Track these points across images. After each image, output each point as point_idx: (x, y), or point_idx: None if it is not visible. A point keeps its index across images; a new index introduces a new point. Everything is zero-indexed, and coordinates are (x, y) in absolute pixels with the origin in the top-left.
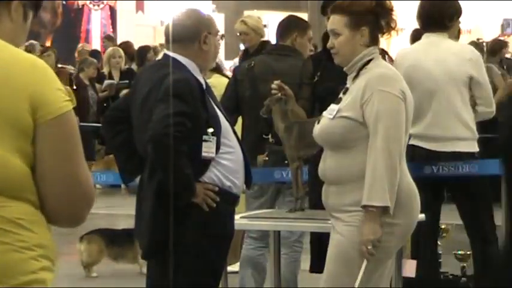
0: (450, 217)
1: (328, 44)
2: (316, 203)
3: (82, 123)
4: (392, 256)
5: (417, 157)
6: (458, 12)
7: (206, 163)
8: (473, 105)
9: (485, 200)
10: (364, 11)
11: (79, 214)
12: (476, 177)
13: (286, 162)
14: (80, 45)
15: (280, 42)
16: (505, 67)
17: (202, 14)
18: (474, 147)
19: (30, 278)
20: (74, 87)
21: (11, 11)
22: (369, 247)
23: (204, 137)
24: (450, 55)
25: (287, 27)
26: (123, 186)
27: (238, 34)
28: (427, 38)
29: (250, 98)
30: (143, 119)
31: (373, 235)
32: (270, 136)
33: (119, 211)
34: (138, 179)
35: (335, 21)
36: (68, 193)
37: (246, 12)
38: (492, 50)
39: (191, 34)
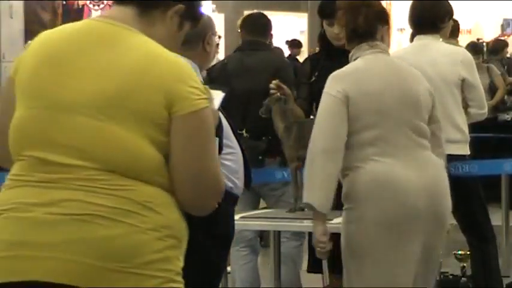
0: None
1: (335, 31)
2: None
3: None
4: (391, 251)
5: None
6: (450, 13)
7: None
8: (465, 107)
9: (478, 199)
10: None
11: (204, 205)
12: (468, 177)
13: (260, 158)
14: None
15: (251, 38)
16: (505, 67)
17: (207, 15)
18: (465, 150)
19: (153, 257)
20: None
21: (166, 18)
22: (318, 247)
23: None
24: (442, 57)
25: (266, 25)
26: None
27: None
28: (419, 40)
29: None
30: None
31: (316, 233)
32: (244, 131)
33: None
34: None
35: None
36: (195, 184)
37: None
38: (494, 50)
39: (198, 35)
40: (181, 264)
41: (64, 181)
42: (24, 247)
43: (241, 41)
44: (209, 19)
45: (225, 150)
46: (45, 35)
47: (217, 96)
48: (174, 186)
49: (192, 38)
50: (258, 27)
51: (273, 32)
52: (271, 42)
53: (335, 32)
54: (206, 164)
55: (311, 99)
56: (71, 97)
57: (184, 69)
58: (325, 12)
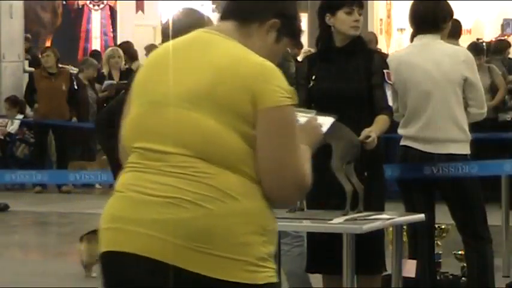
0: (450, 217)
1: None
2: (315, 202)
3: (82, 123)
4: None
5: (410, 158)
6: (450, 14)
7: None
8: (465, 106)
9: (476, 199)
10: None
11: (287, 197)
12: (467, 177)
13: None
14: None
15: None
16: (506, 67)
17: (197, 13)
18: (467, 149)
19: (231, 241)
20: (76, 87)
21: (262, 32)
22: None
23: None
24: (445, 57)
25: None
26: None
27: None
28: (420, 40)
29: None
30: None
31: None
32: None
33: None
34: None
35: None
36: (275, 175)
37: None
38: (496, 50)
39: (179, 33)
40: (266, 250)
41: (162, 167)
42: (124, 221)
43: None
44: (202, 18)
45: None
46: (160, 48)
47: (327, 121)
48: (259, 178)
49: (176, 36)
50: None
51: None
52: None
53: (356, 19)
54: (285, 157)
55: (310, 101)
56: (166, 92)
57: (269, 70)
58: (336, 3)
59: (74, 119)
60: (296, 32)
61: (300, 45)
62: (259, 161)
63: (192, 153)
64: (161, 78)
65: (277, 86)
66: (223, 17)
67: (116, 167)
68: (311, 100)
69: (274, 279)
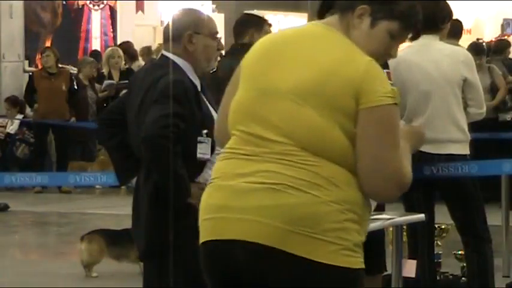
0: (450, 217)
1: None
2: None
3: (82, 123)
4: None
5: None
6: (449, 14)
7: (201, 164)
8: (465, 106)
9: (476, 199)
10: None
11: (385, 194)
12: (466, 177)
13: None
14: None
15: (238, 41)
16: (505, 68)
17: (196, 13)
18: (466, 150)
19: (334, 226)
20: (75, 87)
21: (355, 19)
22: None
23: (199, 138)
24: (444, 57)
25: (243, 25)
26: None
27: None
28: (419, 40)
29: (218, 102)
30: (141, 121)
31: None
32: None
33: (119, 211)
34: (134, 180)
35: None
36: (372, 171)
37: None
38: (497, 50)
39: (177, 32)
40: (361, 238)
41: (264, 154)
42: (228, 210)
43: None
44: (198, 18)
45: (218, 150)
46: (269, 35)
47: None
48: (357, 173)
49: (174, 36)
50: (243, 30)
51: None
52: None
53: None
54: (385, 155)
55: None
56: (277, 83)
57: (372, 70)
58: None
59: (73, 119)
60: (395, 14)
61: (414, 29)
62: (358, 158)
63: (296, 143)
64: (272, 67)
65: (380, 86)
66: (327, 9)
67: (118, 166)
68: None
69: (363, 265)
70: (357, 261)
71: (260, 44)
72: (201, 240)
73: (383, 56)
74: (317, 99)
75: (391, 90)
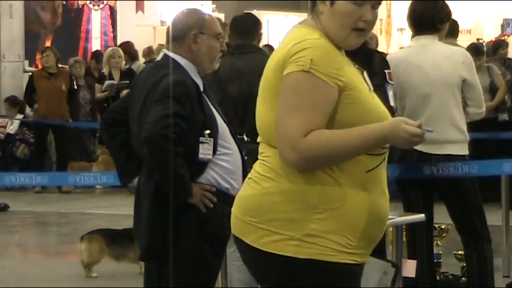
0: (450, 217)
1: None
2: None
3: (82, 123)
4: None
5: (408, 159)
6: (448, 15)
7: (203, 164)
8: (464, 106)
9: (475, 199)
10: None
11: (284, 157)
12: (465, 178)
13: None
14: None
15: (246, 41)
16: (504, 68)
17: (199, 14)
18: (465, 150)
19: (279, 216)
20: (75, 87)
21: (322, 5)
22: None
23: (201, 138)
24: (443, 58)
25: (254, 26)
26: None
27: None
28: (418, 41)
29: (221, 102)
30: (143, 121)
31: None
32: (244, 135)
33: (119, 211)
34: (136, 180)
35: None
36: (277, 136)
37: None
38: (494, 50)
39: (181, 33)
40: (316, 227)
41: (253, 153)
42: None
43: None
44: (202, 18)
45: (220, 150)
46: None
47: None
48: None
49: (177, 36)
50: (245, 29)
51: (263, 31)
52: (259, 42)
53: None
54: (279, 118)
55: None
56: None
57: (295, 48)
58: None
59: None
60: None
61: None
62: None
63: (262, 140)
64: None
65: (293, 59)
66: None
67: (120, 166)
68: None
69: (329, 258)
70: (306, 251)
71: None
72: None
73: (357, 27)
74: (263, 91)
75: (306, 60)
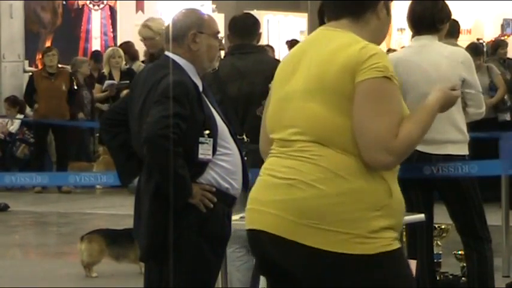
0: (450, 217)
1: None
2: None
3: (82, 123)
4: None
5: (408, 158)
6: (448, 15)
7: (203, 165)
8: (464, 106)
9: (475, 199)
10: None
11: (375, 162)
12: (465, 177)
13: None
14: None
15: (247, 41)
16: (504, 67)
17: (198, 14)
18: (465, 150)
19: (341, 217)
20: (76, 87)
21: (378, 13)
22: None
23: (201, 139)
24: (443, 58)
25: (255, 27)
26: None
27: (141, 39)
28: (418, 41)
29: (221, 102)
30: (143, 121)
31: None
32: (244, 136)
33: (119, 211)
34: (136, 180)
35: None
36: (360, 142)
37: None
38: (493, 49)
39: (181, 32)
40: (377, 223)
41: (287, 152)
42: (256, 202)
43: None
44: (201, 18)
45: (220, 151)
46: (298, 44)
47: None
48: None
49: (177, 36)
50: (245, 29)
51: (262, 31)
52: (259, 42)
53: None
54: (365, 125)
55: None
56: (292, 88)
57: (368, 51)
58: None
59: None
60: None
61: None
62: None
63: (308, 138)
64: (291, 74)
65: (370, 63)
66: (333, 16)
67: (121, 166)
68: None
69: (390, 247)
70: (373, 246)
71: (284, 59)
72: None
73: None
74: (319, 91)
75: (381, 66)
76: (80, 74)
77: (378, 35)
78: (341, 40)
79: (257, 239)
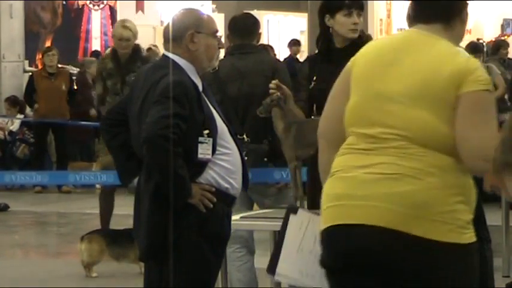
0: None
1: None
2: (316, 203)
3: (82, 123)
4: None
5: None
6: None
7: (203, 164)
8: None
9: None
10: None
11: (473, 168)
12: None
13: (265, 159)
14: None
15: (247, 41)
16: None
17: (196, 13)
18: None
19: (447, 208)
20: (75, 88)
21: (463, 18)
22: None
23: (200, 138)
24: None
25: (255, 26)
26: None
27: (119, 40)
28: None
29: (221, 102)
30: (143, 122)
31: None
32: (244, 136)
33: (119, 211)
34: (136, 180)
35: None
36: (461, 149)
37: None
38: (493, 49)
39: (179, 33)
40: (471, 216)
41: (379, 149)
42: (350, 198)
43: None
44: (199, 18)
45: (220, 150)
46: (374, 42)
47: None
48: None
49: (176, 36)
50: (245, 29)
51: (262, 31)
52: (259, 42)
53: (354, 22)
54: (467, 134)
55: (311, 101)
56: (389, 88)
57: (472, 64)
58: (335, 5)
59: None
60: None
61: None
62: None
63: (407, 139)
64: (384, 73)
65: (476, 76)
66: (423, 19)
67: (121, 166)
68: (312, 100)
69: (475, 239)
70: (469, 236)
71: (369, 51)
72: (324, 225)
73: None
74: (425, 98)
75: (485, 79)
76: (89, 74)
77: (461, 38)
78: (442, 48)
79: (350, 234)
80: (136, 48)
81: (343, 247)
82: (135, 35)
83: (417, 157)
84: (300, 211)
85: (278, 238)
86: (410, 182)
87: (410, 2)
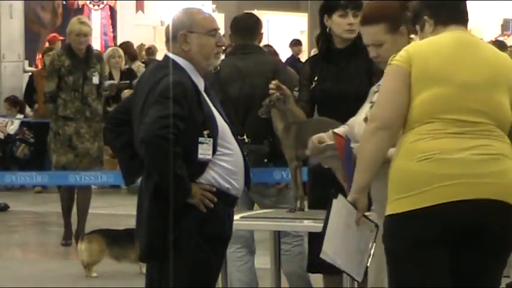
0: None
1: (372, 55)
2: (316, 203)
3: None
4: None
5: None
6: None
7: (203, 165)
8: None
9: None
10: (399, 11)
11: None
12: None
13: (265, 160)
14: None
15: (249, 41)
16: None
17: (189, 13)
18: None
19: None
20: None
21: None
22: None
23: (200, 139)
24: None
25: (257, 26)
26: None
27: (77, 36)
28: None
29: (222, 102)
30: (143, 122)
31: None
32: (245, 137)
33: (119, 211)
34: (139, 180)
35: (372, 32)
36: None
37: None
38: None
39: (173, 34)
40: None
41: (471, 133)
42: (467, 177)
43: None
44: (193, 17)
45: (220, 150)
46: (424, 42)
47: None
48: None
49: (172, 36)
50: (247, 29)
51: (263, 31)
52: (261, 42)
53: (349, 22)
54: None
55: (312, 102)
56: (470, 79)
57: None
58: (331, 5)
59: None
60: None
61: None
62: None
63: (492, 122)
64: (461, 67)
65: None
66: (461, 20)
67: (125, 166)
68: (313, 101)
69: None
70: None
71: (426, 50)
72: (435, 202)
73: None
74: (500, 86)
75: None
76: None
77: None
78: (487, 45)
79: (472, 208)
80: (89, 44)
81: (462, 220)
82: (91, 31)
83: (501, 139)
84: (339, 196)
85: (324, 220)
86: (506, 162)
87: (439, 2)
